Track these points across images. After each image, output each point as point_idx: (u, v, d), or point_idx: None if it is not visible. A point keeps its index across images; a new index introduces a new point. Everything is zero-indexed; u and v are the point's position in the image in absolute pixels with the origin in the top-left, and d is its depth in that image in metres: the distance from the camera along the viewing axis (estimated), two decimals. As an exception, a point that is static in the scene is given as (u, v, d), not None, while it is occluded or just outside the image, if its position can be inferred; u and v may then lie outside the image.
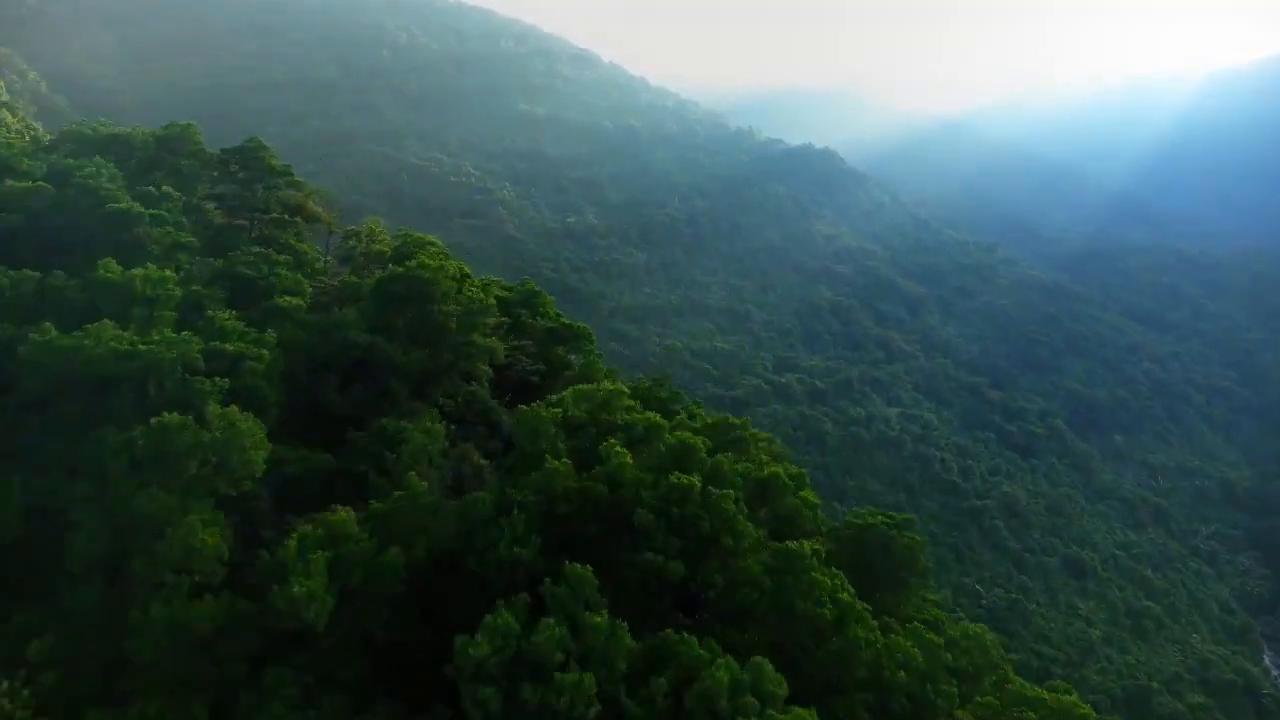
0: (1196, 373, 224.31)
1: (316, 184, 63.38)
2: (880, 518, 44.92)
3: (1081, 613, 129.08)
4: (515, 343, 51.41)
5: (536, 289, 58.33)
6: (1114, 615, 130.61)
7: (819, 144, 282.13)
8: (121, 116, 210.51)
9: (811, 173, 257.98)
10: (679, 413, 48.32)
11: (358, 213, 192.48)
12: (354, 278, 50.28)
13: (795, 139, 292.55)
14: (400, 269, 44.98)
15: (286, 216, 55.28)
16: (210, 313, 38.65)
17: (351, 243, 58.37)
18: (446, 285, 44.41)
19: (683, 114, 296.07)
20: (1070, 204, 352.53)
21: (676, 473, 32.97)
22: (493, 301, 46.48)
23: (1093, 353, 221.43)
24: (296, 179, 57.95)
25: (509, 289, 57.18)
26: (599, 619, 27.06)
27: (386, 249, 54.20)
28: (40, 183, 43.94)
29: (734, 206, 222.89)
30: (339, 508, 30.71)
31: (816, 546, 36.00)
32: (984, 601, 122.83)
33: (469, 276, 48.33)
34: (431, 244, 52.15)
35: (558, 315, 56.90)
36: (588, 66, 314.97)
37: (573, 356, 55.19)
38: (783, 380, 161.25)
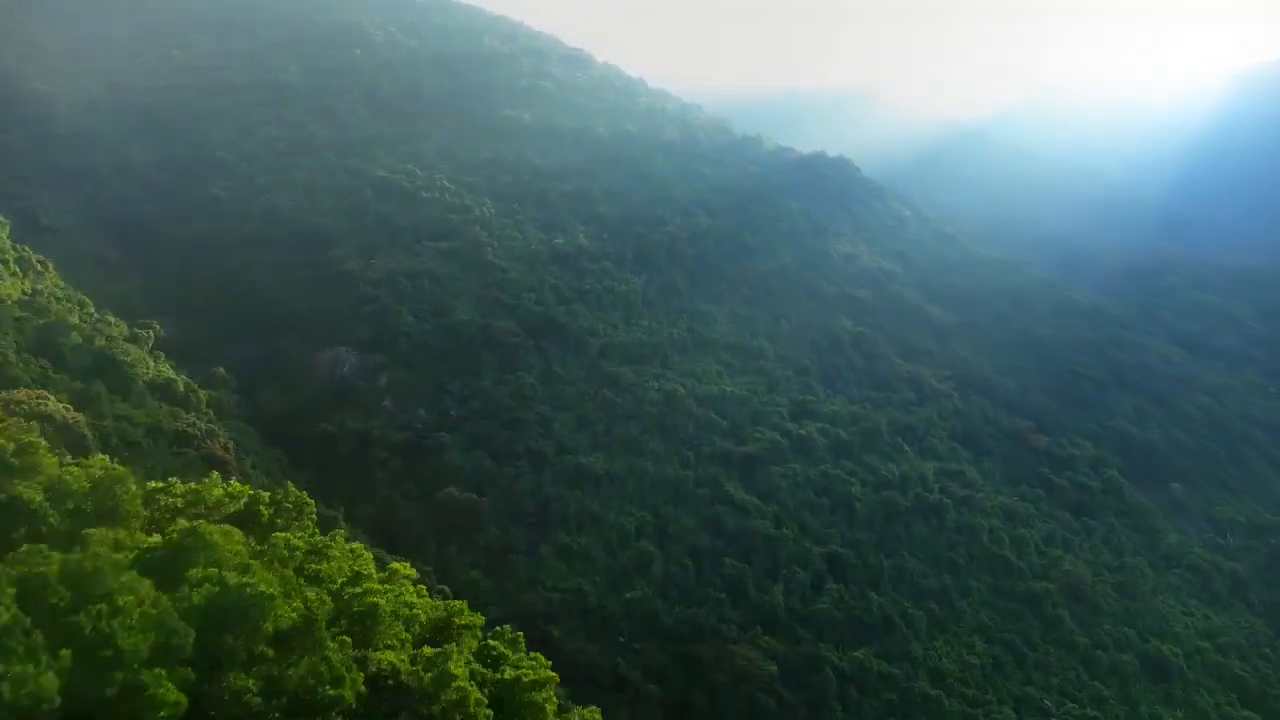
0: (1256, 407, 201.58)
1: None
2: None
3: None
4: None
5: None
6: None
7: (829, 151, 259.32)
8: (55, 121, 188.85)
9: (825, 184, 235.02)
10: None
11: (314, 234, 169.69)
12: None
13: (802, 145, 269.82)
14: None
15: None
16: None
17: None
18: None
19: (684, 118, 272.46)
20: (1096, 215, 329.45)
21: None
22: None
23: (1141, 386, 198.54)
24: None
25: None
26: None
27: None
28: None
29: (741, 223, 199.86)
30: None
31: None
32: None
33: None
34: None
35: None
36: (581, 67, 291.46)
37: None
38: (802, 431, 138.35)
